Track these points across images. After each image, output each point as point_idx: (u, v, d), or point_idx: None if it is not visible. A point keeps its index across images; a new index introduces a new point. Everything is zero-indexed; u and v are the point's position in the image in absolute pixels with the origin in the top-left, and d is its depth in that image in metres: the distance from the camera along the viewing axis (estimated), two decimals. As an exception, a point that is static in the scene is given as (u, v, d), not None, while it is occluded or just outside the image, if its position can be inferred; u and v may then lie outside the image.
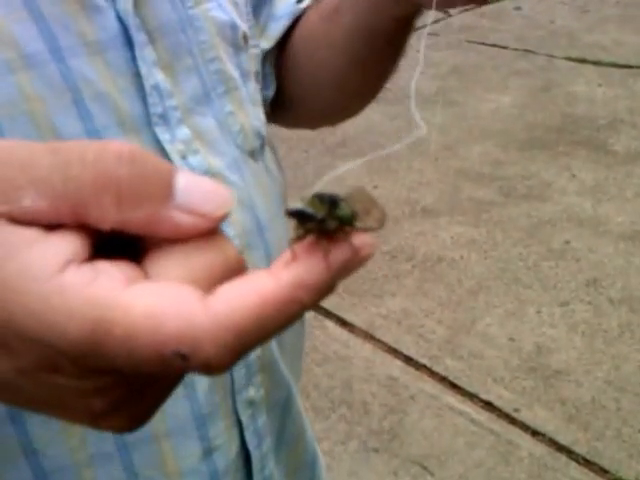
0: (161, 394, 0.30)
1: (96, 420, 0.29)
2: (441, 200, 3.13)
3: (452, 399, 2.15)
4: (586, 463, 1.91)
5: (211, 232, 0.28)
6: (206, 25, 0.56)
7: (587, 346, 2.29)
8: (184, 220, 0.27)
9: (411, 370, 2.26)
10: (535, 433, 2.02)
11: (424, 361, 2.29)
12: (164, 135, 0.52)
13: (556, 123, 3.72)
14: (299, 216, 0.28)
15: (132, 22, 0.50)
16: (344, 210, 0.28)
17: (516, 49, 4.68)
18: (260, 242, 0.59)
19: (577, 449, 1.95)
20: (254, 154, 0.61)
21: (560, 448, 1.96)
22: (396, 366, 2.28)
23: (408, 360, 2.30)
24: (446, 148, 3.54)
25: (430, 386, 2.20)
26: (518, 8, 5.43)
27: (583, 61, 4.45)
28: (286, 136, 3.68)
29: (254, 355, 0.59)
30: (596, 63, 4.40)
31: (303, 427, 0.72)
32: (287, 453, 0.68)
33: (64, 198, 0.27)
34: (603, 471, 1.89)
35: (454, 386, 2.19)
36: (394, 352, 2.34)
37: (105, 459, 0.51)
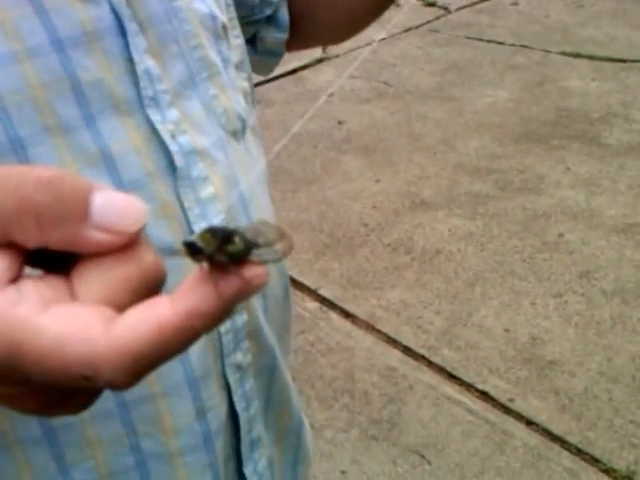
0: (87, 397, 0.32)
1: (39, 413, 0.32)
2: (439, 194, 3.08)
3: (449, 389, 2.11)
4: (578, 453, 1.88)
5: (131, 244, 0.29)
6: (189, 16, 0.58)
7: (580, 337, 2.25)
8: (101, 238, 0.29)
9: (410, 360, 2.23)
10: (529, 423, 1.98)
11: (422, 352, 2.25)
12: (155, 116, 0.54)
13: (551, 117, 3.66)
14: (191, 248, 0.28)
15: (125, 13, 0.52)
16: (236, 246, 0.29)
17: (512, 44, 4.61)
18: (244, 217, 0.60)
19: (570, 439, 1.91)
20: (236, 135, 0.63)
21: (553, 438, 1.93)
22: (395, 356, 2.25)
23: (407, 350, 2.27)
24: (444, 142, 3.48)
25: (428, 376, 2.16)
26: (515, 4, 5.35)
27: (577, 56, 4.37)
28: (296, 132, 3.63)
29: (241, 322, 0.60)
30: (590, 57, 4.32)
31: (289, 395, 0.72)
32: (274, 418, 0.69)
33: None
34: (595, 460, 1.85)
35: (451, 376, 2.16)
36: (394, 343, 2.30)
37: (106, 416, 0.52)
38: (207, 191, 0.56)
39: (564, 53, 4.43)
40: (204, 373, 0.56)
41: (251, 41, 0.79)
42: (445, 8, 5.36)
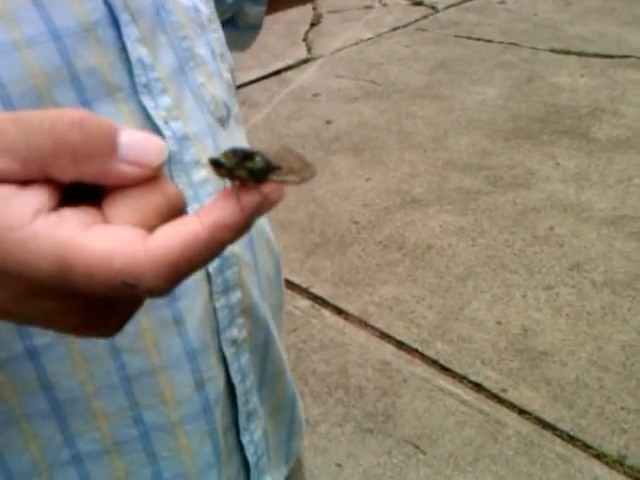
0: (126, 311, 0.36)
1: (78, 331, 0.36)
2: (430, 190, 3.16)
3: (442, 381, 2.18)
4: (570, 439, 1.95)
5: (155, 176, 0.34)
6: (174, 8, 0.62)
7: (571, 328, 2.33)
8: (129, 171, 0.33)
9: (403, 354, 2.29)
10: (522, 412, 2.05)
11: (415, 346, 2.32)
12: (149, 103, 0.57)
13: (540, 113, 3.74)
14: (214, 164, 0.33)
15: (117, 4, 0.55)
16: (256, 164, 0.33)
17: (501, 42, 4.70)
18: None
19: (562, 426, 1.98)
20: (222, 122, 0.67)
21: (545, 426, 2.00)
22: (389, 351, 2.31)
23: (400, 345, 2.33)
24: (434, 140, 3.56)
25: (421, 369, 2.23)
26: (502, 2, 5.44)
27: (566, 52, 4.46)
28: (282, 133, 3.71)
29: (235, 299, 0.64)
30: (579, 54, 4.42)
31: (283, 369, 0.77)
32: (269, 392, 0.74)
33: (30, 160, 0.32)
34: (586, 447, 1.92)
35: (444, 369, 2.23)
36: (387, 337, 2.37)
37: (110, 390, 0.56)
38: (199, 174, 0.61)
39: (553, 50, 4.52)
40: (202, 346, 0.60)
41: (231, 19, 0.85)
42: (432, 7, 5.45)
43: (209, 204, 0.34)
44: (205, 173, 0.61)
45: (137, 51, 0.57)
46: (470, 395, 2.12)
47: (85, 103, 0.54)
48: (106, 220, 0.33)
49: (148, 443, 0.60)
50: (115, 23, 0.56)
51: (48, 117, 0.33)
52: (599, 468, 1.87)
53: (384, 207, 3.06)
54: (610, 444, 1.92)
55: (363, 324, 2.43)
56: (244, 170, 0.33)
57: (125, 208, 0.34)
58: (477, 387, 2.15)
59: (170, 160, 0.59)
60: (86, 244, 0.32)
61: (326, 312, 2.51)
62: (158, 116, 0.58)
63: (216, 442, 0.64)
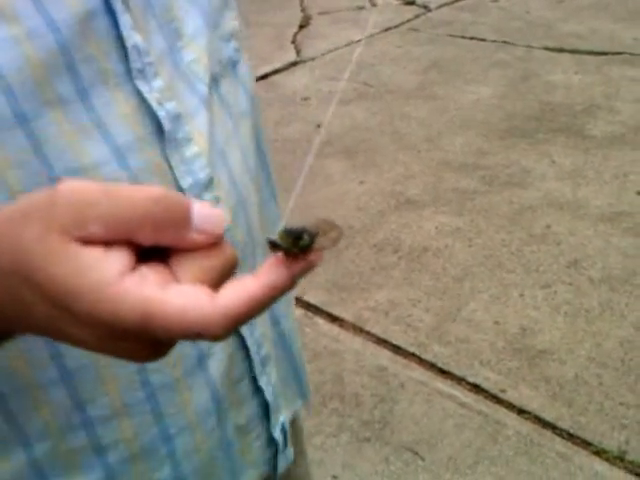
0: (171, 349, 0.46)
1: (145, 361, 0.44)
2: (425, 191, 3.17)
3: (440, 384, 2.18)
4: (570, 437, 1.95)
5: (217, 241, 0.43)
6: None
7: (569, 326, 2.33)
8: (200, 239, 0.42)
9: (400, 359, 2.30)
10: (521, 412, 2.05)
11: (412, 349, 2.32)
12: (144, 87, 0.63)
13: (535, 112, 3.76)
14: (272, 245, 0.42)
15: None
16: (305, 241, 0.43)
17: (494, 41, 4.72)
18: (222, 163, 0.73)
19: (561, 424, 1.99)
20: (224, 74, 0.75)
21: (545, 425, 2.00)
22: (385, 356, 2.32)
23: (397, 349, 2.34)
24: (428, 140, 3.57)
25: (419, 373, 2.24)
26: (495, 0, 5.46)
27: (560, 50, 4.48)
28: (270, 138, 3.72)
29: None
30: (573, 52, 4.44)
31: (291, 327, 0.88)
32: (277, 335, 0.85)
33: (117, 228, 0.40)
34: (587, 444, 1.93)
35: (442, 371, 2.23)
36: (383, 343, 2.37)
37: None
38: (191, 150, 0.67)
39: (546, 48, 4.54)
40: None
41: None
42: (425, 6, 5.47)
43: (264, 268, 0.43)
44: (197, 149, 0.67)
45: (132, 38, 0.61)
46: (469, 397, 2.13)
47: (82, 91, 0.59)
48: (176, 277, 0.42)
49: (155, 404, 0.66)
50: (110, 12, 0.60)
51: (135, 194, 0.41)
52: (600, 465, 1.87)
53: (378, 210, 3.07)
54: (610, 440, 1.92)
55: (358, 330, 2.44)
56: (297, 248, 0.43)
57: (193, 268, 0.42)
58: (476, 388, 2.15)
59: (165, 139, 0.64)
60: (165, 300, 0.39)
61: (320, 320, 2.51)
62: (152, 99, 0.63)
63: (214, 391, 0.71)
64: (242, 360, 0.75)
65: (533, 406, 2.06)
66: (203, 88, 0.70)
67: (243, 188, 0.76)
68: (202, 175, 0.68)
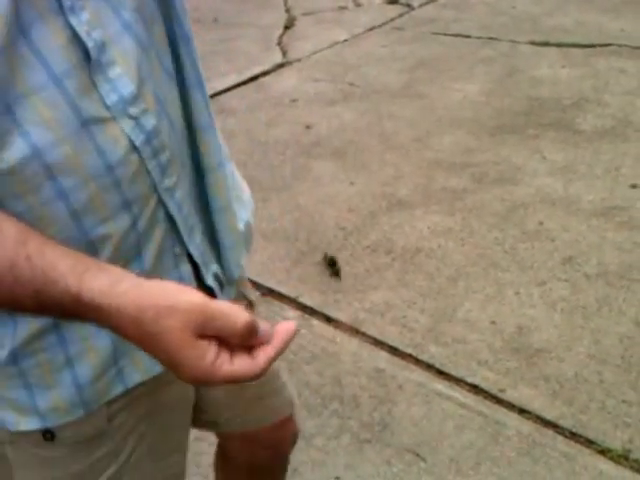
0: None
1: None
2: (416, 191, 3.17)
3: (439, 385, 2.18)
4: (573, 436, 1.95)
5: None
6: None
7: (567, 323, 2.34)
8: (254, 342, 0.73)
9: (397, 360, 2.29)
10: (522, 411, 2.05)
11: (409, 350, 2.32)
12: (74, 21, 0.77)
13: (523, 107, 3.77)
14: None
15: None
16: None
17: (479, 37, 4.73)
18: (148, 78, 0.86)
19: (563, 423, 1.99)
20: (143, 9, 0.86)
21: (546, 424, 2.00)
22: (382, 358, 2.31)
23: (394, 351, 2.33)
24: (417, 140, 3.57)
25: (417, 374, 2.23)
26: (479, -4, 5.47)
27: (546, 44, 4.50)
28: (262, 140, 3.71)
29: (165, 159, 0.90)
30: (559, 45, 4.45)
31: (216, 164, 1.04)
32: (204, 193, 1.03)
33: (221, 336, 0.71)
34: (590, 442, 1.93)
35: (440, 372, 2.23)
36: (380, 344, 2.37)
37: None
38: (115, 72, 0.81)
39: (532, 43, 4.56)
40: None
41: None
42: (408, 5, 5.48)
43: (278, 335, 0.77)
44: (120, 70, 0.81)
45: None
46: (468, 397, 2.12)
47: (24, 24, 0.73)
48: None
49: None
50: None
51: (237, 319, 0.71)
52: (604, 464, 1.87)
53: (370, 211, 3.06)
54: (614, 439, 1.92)
55: (354, 332, 2.43)
56: None
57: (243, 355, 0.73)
58: (475, 389, 2.15)
59: (91, 65, 0.79)
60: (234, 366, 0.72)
61: (316, 321, 2.50)
62: (82, 30, 0.77)
63: (131, 212, 0.88)
64: (173, 233, 0.95)
65: (534, 405, 2.06)
66: (127, 14, 0.83)
67: (166, 93, 0.91)
68: (126, 92, 0.82)
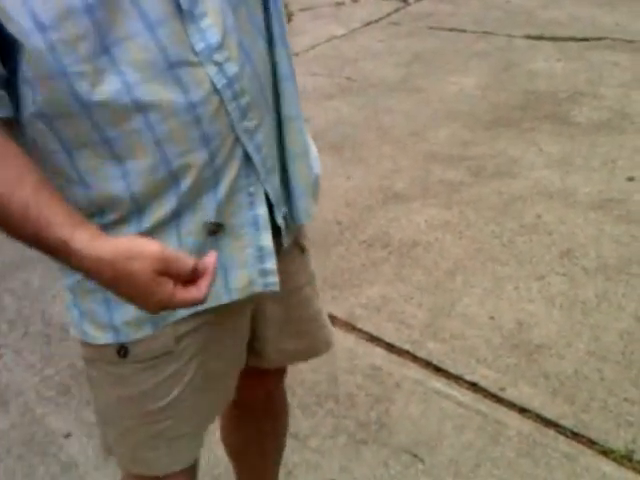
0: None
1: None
2: (412, 185, 3.04)
3: (437, 383, 2.05)
4: (574, 436, 1.83)
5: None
6: None
7: (566, 318, 2.21)
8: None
9: (394, 357, 2.17)
10: (522, 410, 1.93)
11: (407, 347, 2.19)
12: None
13: (519, 100, 3.63)
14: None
15: None
16: None
17: (475, 31, 4.59)
18: (233, 30, 0.94)
19: (564, 423, 1.86)
20: None
21: (547, 423, 1.87)
22: (379, 355, 2.19)
23: (390, 347, 2.21)
24: (414, 133, 3.44)
25: (414, 372, 2.11)
26: (474, -8, 5.32)
27: (541, 38, 4.36)
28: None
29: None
30: (554, 39, 4.31)
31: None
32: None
33: (170, 273, 0.85)
34: (592, 443, 1.80)
35: (438, 370, 2.10)
36: (376, 340, 2.24)
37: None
38: (205, 23, 0.90)
39: (528, 36, 4.41)
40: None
41: None
42: (404, 0, 5.33)
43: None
44: (209, 21, 0.90)
45: None
46: (467, 396, 2.00)
47: None
48: None
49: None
50: None
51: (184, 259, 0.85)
52: (606, 465, 1.75)
53: (366, 205, 2.93)
54: (616, 439, 1.80)
55: (350, 328, 2.31)
56: None
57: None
58: (474, 387, 2.02)
59: (184, 15, 0.88)
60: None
61: (312, 317, 2.37)
62: None
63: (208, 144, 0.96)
64: (249, 172, 1.01)
65: (534, 404, 1.93)
66: None
67: (252, 45, 0.97)
68: (213, 41, 0.91)
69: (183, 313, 1.02)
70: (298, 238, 1.21)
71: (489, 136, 3.33)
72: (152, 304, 0.85)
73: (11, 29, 0.83)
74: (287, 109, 1.07)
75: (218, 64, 0.92)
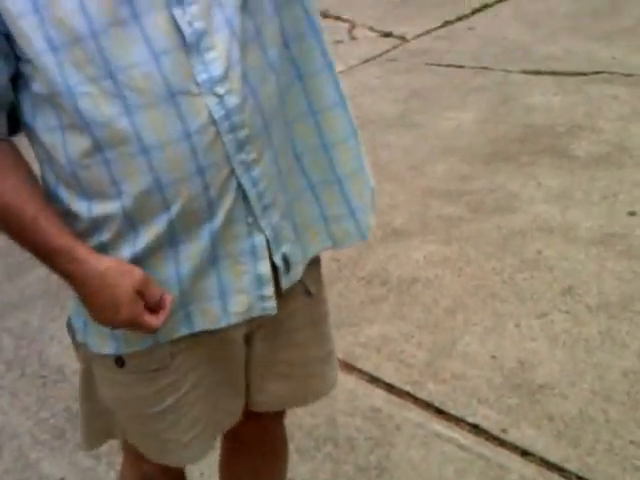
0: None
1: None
2: (411, 220, 3.00)
3: (438, 425, 2.00)
4: (580, 481, 1.76)
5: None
6: None
7: (569, 357, 2.15)
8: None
9: (394, 399, 2.11)
10: (525, 453, 1.87)
11: (407, 388, 2.14)
12: (178, 12, 0.93)
13: (517, 134, 3.60)
14: None
15: None
16: None
17: (472, 67, 4.58)
18: (238, 64, 0.97)
19: (569, 466, 1.80)
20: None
21: (551, 467, 1.81)
22: (379, 396, 2.13)
23: (390, 388, 2.15)
24: (412, 168, 3.41)
25: (415, 414, 2.05)
26: (471, 28, 5.34)
27: (538, 72, 4.35)
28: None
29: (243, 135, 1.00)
30: (551, 73, 4.30)
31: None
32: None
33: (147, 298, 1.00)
34: (598, 488, 1.74)
35: (439, 411, 2.04)
36: (376, 381, 2.19)
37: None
38: (211, 56, 0.94)
39: (525, 71, 4.40)
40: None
41: None
42: (402, 37, 5.34)
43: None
44: (214, 54, 0.94)
45: None
46: (468, 439, 1.94)
47: (138, 11, 0.91)
48: None
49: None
50: None
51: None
52: (613, 512, 1.68)
53: (365, 241, 2.89)
54: (623, 484, 1.73)
55: (350, 368, 2.25)
56: None
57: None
58: (475, 429, 1.96)
59: (188, 48, 0.93)
60: None
61: (311, 357, 2.32)
62: (184, 21, 0.92)
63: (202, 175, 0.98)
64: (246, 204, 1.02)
65: (537, 447, 1.87)
66: (229, 10, 0.95)
67: (260, 79, 0.99)
68: (216, 73, 0.94)
69: (183, 332, 1.07)
70: (305, 280, 1.19)
71: (488, 170, 3.29)
72: (121, 317, 0.96)
73: (26, 49, 0.90)
74: (334, 135, 1.11)
75: (219, 96, 0.94)
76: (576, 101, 3.87)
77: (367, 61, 4.97)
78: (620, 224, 2.76)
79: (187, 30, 0.92)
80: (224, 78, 0.94)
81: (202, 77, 0.93)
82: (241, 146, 0.97)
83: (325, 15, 5.90)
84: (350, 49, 5.32)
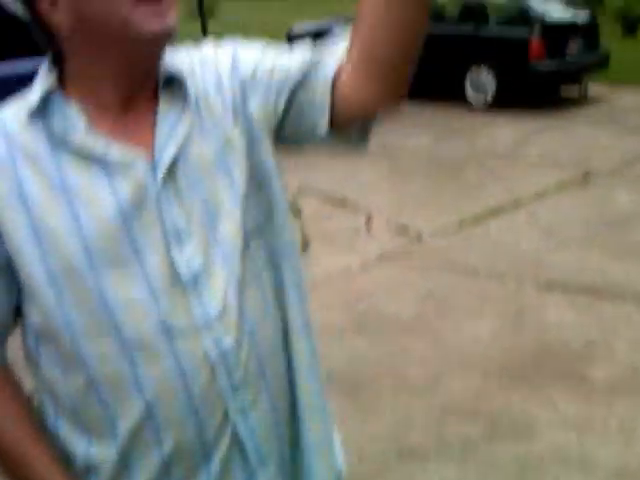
0: None
1: None
2: (427, 439, 2.96)
3: None
4: None
5: None
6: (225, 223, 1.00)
7: None
8: None
9: None
10: None
11: None
12: (176, 253, 0.94)
13: (532, 354, 3.61)
14: None
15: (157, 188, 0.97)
16: None
17: (487, 275, 4.66)
18: (235, 303, 0.97)
19: None
20: (248, 244, 0.99)
21: None
22: None
23: None
24: (428, 381, 3.41)
25: None
26: (486, 231, 5.49)
27: (551, 286, 4.40)
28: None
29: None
30: (563, 288, 4.34)
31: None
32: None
33: None
34: None
35: None
36: None
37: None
38: (208, 295, 0.94)
39: (538, 283, 4.46)
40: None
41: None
42: (417, 233, 5.50)
43: None
44: (210, 293, 0.94)
45: (173, 221, 0.95)
46: None
47: (138, 248, 0.92)
48: None
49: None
50: (158, 200, 0.94)
51: None
52: None
53: (381, 460, 2.84)
54: None
55: None
56: None
57: None
58: None
59: (186, 287, 0.94)
60: None
61: None
62: (181, 261, 0.93)
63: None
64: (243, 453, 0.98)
65: None
66: (230, 250, 0.96)
67: (255, 321, 0.98)
68: (213, 312, 0.94)
69: None
70: None
71: (504, 390, 3.29)
72: None
73: (27, 280, 0.92)
74: (307, 397, 1.05)
75: (214, 336, 0.94)
76: (590, 320, 3.92)
77: (383, 256, 5.08)
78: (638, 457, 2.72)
79: (184, 269, 0.93)
80: (220, 319, 0.94)
81: (197, 317, 0.93)
82: (236, 389, 0.96)
83: (343, 205, 6.13)
84: (367, 242, 5.45)
